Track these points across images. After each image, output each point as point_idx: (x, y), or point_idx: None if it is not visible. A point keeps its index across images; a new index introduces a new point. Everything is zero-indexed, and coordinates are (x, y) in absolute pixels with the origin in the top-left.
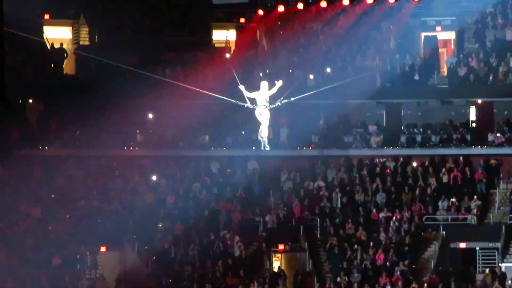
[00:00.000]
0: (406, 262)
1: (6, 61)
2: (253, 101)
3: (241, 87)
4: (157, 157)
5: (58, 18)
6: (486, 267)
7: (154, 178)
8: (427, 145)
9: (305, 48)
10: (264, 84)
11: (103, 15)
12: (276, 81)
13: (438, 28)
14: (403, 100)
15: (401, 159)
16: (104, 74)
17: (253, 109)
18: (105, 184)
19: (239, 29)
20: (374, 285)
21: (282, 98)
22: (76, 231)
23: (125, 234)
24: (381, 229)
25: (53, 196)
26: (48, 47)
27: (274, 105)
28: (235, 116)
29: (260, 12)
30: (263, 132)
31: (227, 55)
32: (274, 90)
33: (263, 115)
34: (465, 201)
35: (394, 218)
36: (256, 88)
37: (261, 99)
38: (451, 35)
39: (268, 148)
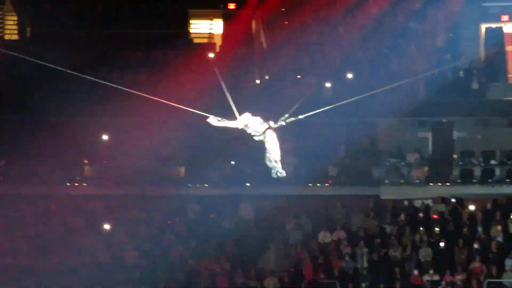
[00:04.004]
0: None
1: None
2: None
3: (211, 120)
4: (112, 197)
5: None
6: None
7: (107, 226)
8: (490, 181)
9: (319, 46)
10: (245, 118)
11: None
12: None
13: (505, 18)
14: (456, 118)
15: (454, 200)
16: (38, 80)
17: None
18: (39, 234)
19: (228, 18)
20: None
21: (287, 115)
22: None
23: None
24: None
25: None
26: None
27: (276, 125)
28: (221, 140)
29: None
30: (274, 154)
31: (211, 54)
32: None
33: (268, 137)
34: None
35: (443, 282)
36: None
37: (251, 130)
38: None
39: (283, 174)
